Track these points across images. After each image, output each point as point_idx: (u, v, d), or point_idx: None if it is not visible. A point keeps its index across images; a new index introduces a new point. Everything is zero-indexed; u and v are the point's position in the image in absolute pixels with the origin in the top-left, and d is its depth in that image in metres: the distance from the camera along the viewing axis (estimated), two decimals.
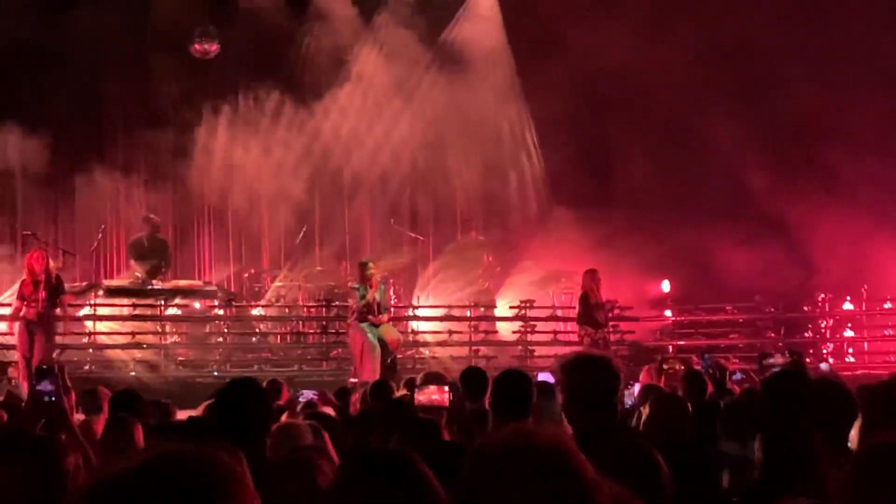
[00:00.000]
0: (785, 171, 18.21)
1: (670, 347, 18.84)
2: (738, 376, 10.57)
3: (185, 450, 1.80)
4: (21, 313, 13.75)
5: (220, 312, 18.23)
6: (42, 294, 13.68)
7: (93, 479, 1.80)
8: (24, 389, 10.97)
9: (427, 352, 18.09)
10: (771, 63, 19.03)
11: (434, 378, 7.70)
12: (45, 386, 4.30)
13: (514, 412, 5.47)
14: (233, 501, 1.75)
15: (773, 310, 19.04)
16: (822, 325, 19.21)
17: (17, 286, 14.52)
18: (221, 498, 1.74)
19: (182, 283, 18.55)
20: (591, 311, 15.98)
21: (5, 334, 16.45)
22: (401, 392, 7.94)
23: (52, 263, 14.15)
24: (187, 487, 1.72)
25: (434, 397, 5.99)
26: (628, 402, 8.79)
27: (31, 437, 4.05)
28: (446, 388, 6.05)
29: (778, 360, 13.31)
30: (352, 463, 3.17)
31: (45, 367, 4.62)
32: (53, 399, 4.42)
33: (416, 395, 6.06)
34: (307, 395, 8.03)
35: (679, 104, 19.02)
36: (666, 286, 19.70)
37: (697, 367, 10.09)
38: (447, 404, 5.99)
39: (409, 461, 3.09)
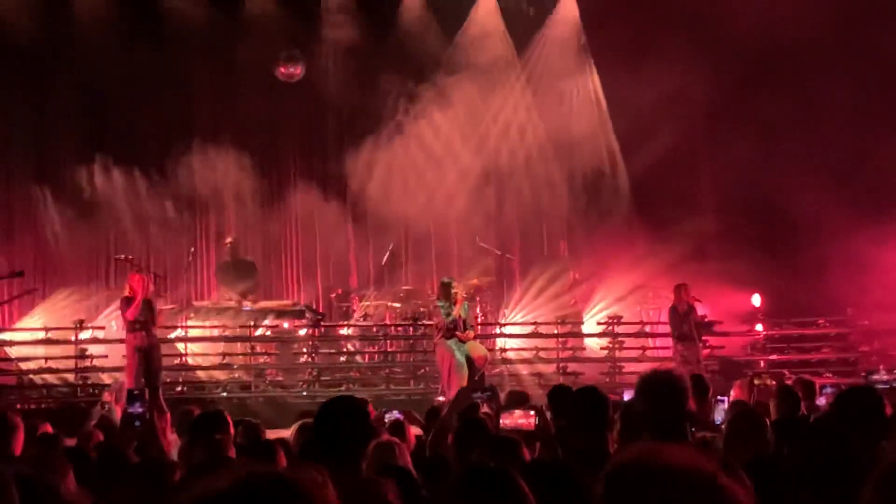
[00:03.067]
0: (874, 181, 17.85)
1: (762, 362, 18.58)
2: (829, 390, 10.42)
3: (269, 471, 1.82)
4: (136, 340, 13.88)
5: (309, 332, 18.38)
6: (144, 316, 13.89)
7: (179, 498, 1.82)
8: (117, 414, 11.12)
9: (511, 368, 18.02)
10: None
11: (517, 398, 7.69)
12: (136, 409, 4.38)
13: (591, 430, 5.42)
14: None
15: (866, 322, 18.69)
16: None
17: (114, 309, 14.78)
18: None
19: (271, 303, 18.76)
20: (679, 326, 15.82)
21: (101, 357, 16.80)
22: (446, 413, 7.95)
23: (151, 287, 14.37)
24: None
25: (520, 421, 5.97)
26: (718, 418, 8.69)
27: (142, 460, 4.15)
28: (532, 413, 6.03)
29: (884, 375, 13.08)
30: (461, 480, 3.23)
31: (135, 391, 4.71)
32: (142, 422, 4.50)
33: (501, 419, 6.04)
34: (393, 414, 8.05)
35: (767, 111, 18.83)
36: (756, 300, 19.41)
37: (789, 382, 9.97)
38: (533, 428, 5.96)
39: (512, 479, 3.17)
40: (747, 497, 1.92)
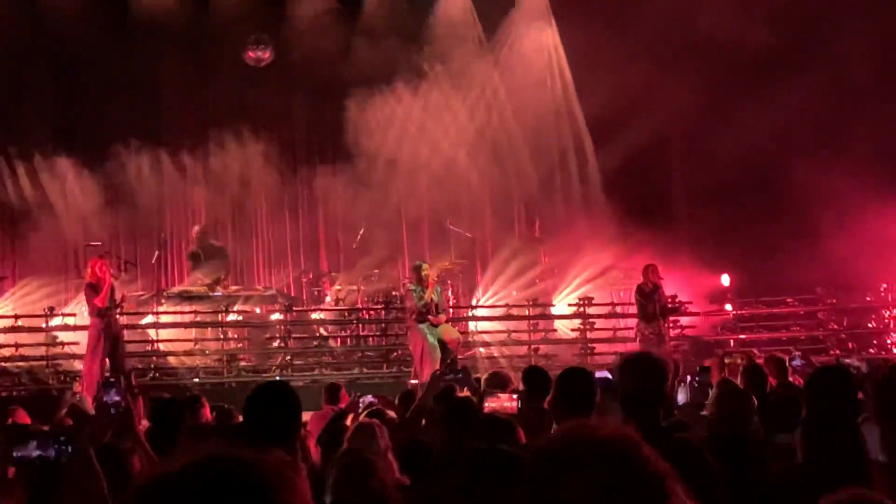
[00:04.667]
0: (844, 160, 17.96)
1: (731, 342, 18.72)
2: (797, 362, 10.52)
3: (230, 451, 1.79)
4: (100, 325, 13.84)
5: (280, 317, 18.37)
6: (115, 300, 13.84)
7: (143, 478, 1.81)
8: (88, 403, 11.07)
9: (483, 351, 18.09)
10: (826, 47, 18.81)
11: (499, 380, 7.71)
12: (112, 397, 4.38)
13: (577, 411, 5.45)
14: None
15: (834, 301, 18.85)
16: (886, 316, 18.96)
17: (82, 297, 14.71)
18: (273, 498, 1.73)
19: (242, 288, 18.73)
20: (642, 306, 15.94)
21: (71, 344, 16.73)
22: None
23: (114, 270, 14.30)
24: (239, 488, 1.72)
25: (506, 405, 5.99)
26: (680, 398, 8.77)
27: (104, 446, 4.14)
28: (515, 396, 6.05)
29: (855, 361, 13.18)
30: (475, 461, 3.24)
31: (111, 378, 4.70)
32: (120, 409, 4.50)
33: (485, 402, 6.05)
34: (367, 399, 8.08)
35: (739, 96, 18.94)
36: (726, 280, 19.55)
37: (759, 361, 10.05)
38: (516, 411, 5.98)
39: (522, 461, 3.19)
40: (671, 469, 1.97)
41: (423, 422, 7.24)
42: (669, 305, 16.09)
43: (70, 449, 3.95)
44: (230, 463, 1.75)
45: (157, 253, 19.40)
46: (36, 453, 3.90)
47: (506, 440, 4.71)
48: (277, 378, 15.79)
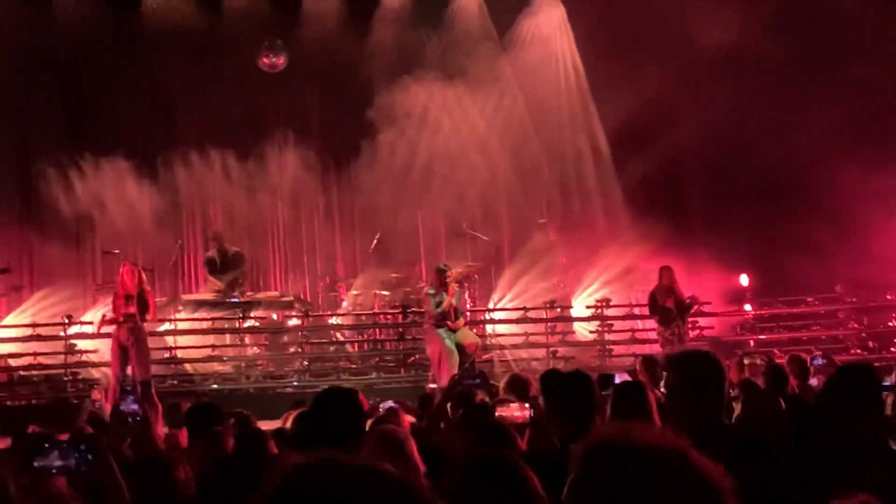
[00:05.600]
0: (862, 158, 17.84)
1: (751, 342, 18.62)
2: (819, 361, 10.43)
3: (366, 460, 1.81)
4: (113, 330, 13.80)
5: (298, 323, 18.35)
6: (133, 309, 13.77)
7: (279, 475, 1.77)
8: (107, 411, 11.04)
9: (501, 354, 18.02)
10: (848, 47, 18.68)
11: (518, 383, 7.64)
12: (129, 406, 4.35)
13: (577, 414, 5.39)
14: None
15: (854, 300, 18.73)
16: None
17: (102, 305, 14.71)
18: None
19: (259, 294, 18.72)
20: (657, 308, 15.85)
21: (90, 352, 16.74)
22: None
23: (144, 277, 14.23)
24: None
25: (515, 413, 5.94)
26: None
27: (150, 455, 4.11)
28: (527, 405, 5.99)
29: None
30: (470, 467, 3.25)
31: (128, 387, 4.67)
32: (138, 418, 4.47)
33: (497, 412, 6.00)
34: (387, 404, 8.03)
35: (757, 94, 18.86)
36: (745, 280, 19.45)
37: (780, 362, 9.98)
38: (526, 421, 5.92)
39: (518, 466, 3.18)
40: (720, 473, 1.91)
41: (442, 426, 7.19)
42: (686, 303, 15.99)
43: (91, 457, 3.93)
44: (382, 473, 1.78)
45: (176, 252, 19.34)
46: (58, 462, 3.89)
47: (505, 446, 4.66)
48: (343, 385, 15.80)
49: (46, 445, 3.86)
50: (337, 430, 4.71)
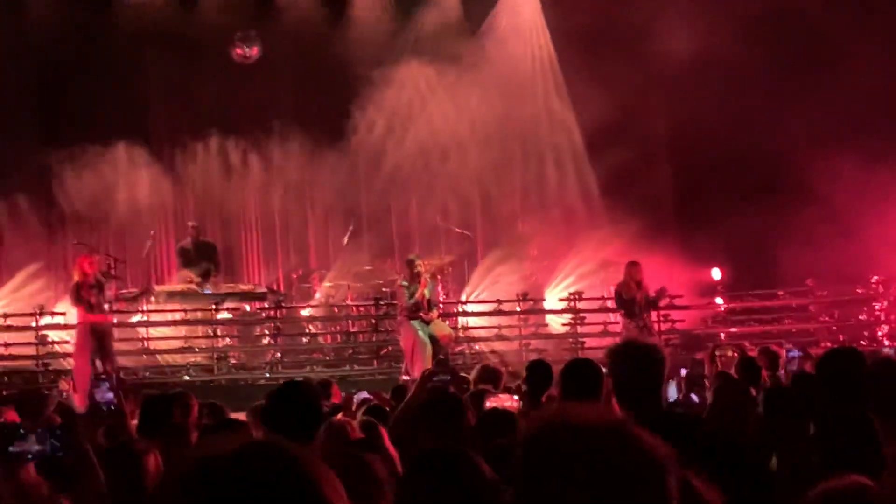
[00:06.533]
0: (833, 152, 17.94)
1: (722, 335, 18.71)
2: (793, 353, 10.49)
3: (275, 441, 1.79)
4: (87, 320, 13.78)
5: (271, 314, 18.32)
6: (103, 298, 13.75)
7: (190, 462, 1.76)
8: (75, 401, 11.00)
9: (478, 346, 18.07)
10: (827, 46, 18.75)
11: (489, 373, 7.65)
12: (104, 395, 4.35)
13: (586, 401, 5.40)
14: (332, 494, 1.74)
15: (825, 293, 18.86)
16: (877, 308, 18.97)
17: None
18: (320, 489, 1.73)
19: (232, 286, 18.67)
20: (623, 302, 15.99)
21: (60, 343, 16.67)
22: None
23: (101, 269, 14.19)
24: (290, 475, 1.72)
25: (506, 404, 5.96)
26: (672, 393, 8.73)
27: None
28: (516, 397, 6.01)
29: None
30: (417, 462, 3.23)
31: (103, 376, 4.67)
32: (113, 407, 4.47)
33: (487, 401, 6.01)
34: (362, 395, 8.05)
35: (728, 89, 18.93)
36: (716, 273, 19.55)
37: (752, 354, 10.04)
38: (517, 411, 5.94)
39: (469, 459, 3.15)
40: (659, 444, 1.92)
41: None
42: (652, 297, 16.11)
43: (64, 444, 3.96)
44: (281, 451, 1.75)
45: (148, 244, 19.25)
46: (35, 447, 3.92)
47: (507, 434, 4.67)
48: (299, 377, 15.84)
49: (22, 431, 3.88)
50: (292, 421, 4.74)
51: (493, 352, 17.38)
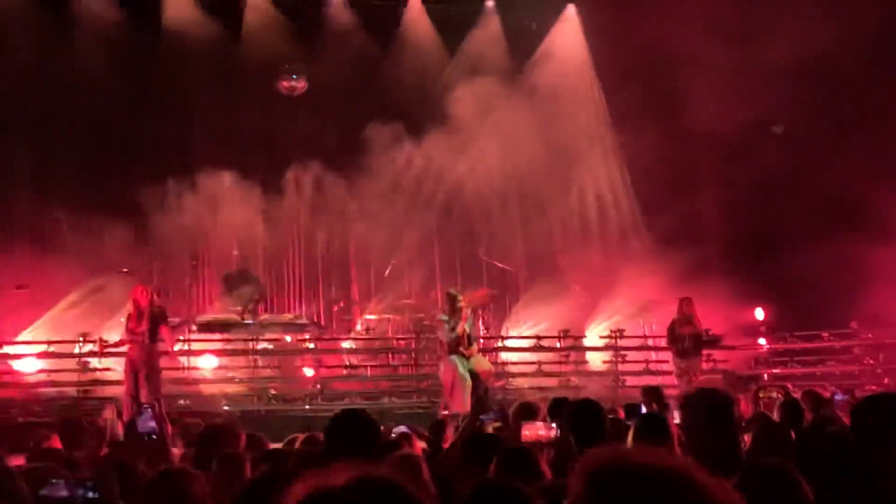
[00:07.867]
0: (879, 195, 17.79)
1: (765, 375, 18.53)
2: (839, 396, 10.39)
3: (381, 472, 1.86)
4: (125, 348, 13.88)
5: (311, 346, 18.34)
6: (144, 327, 13.81)
7: (306, 490, 1.81)
8: (119, 430, 11.05)
9: (517, 382, 17.97)
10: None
11: (528, 410, 7.61)
12: (147, 424, 4.36)
13: (588, 439, 5.39)
14: None
15: (870, 336, 18.65)
16: None
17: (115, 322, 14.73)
18: None
19: (273, 316, 18.71)
20: (675, 338, 15.88)
21: (104, 370, 16.76)
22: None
23: (155, 298, 14.26)
24: None
25: (541, 433, 5.92)
26: None
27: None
28: (554, 425, 5.97)
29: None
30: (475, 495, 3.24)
31: (146, 406, 4.68)
32: (155, 436, 4.48)
33: (522, 430, 5.98)
34: (400, 429, 8.02)
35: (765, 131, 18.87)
36: (760, 314, 19.39)
37: (795, 396, 9.94)
38: (552, 439, 5.90)
39: (526, 497, 3.16)
40: (728, 490, 1.90)
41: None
42: (704, 338, 15.99)
43: (94, 494, 3.94)
44: (395, 486, 1.84)
45: (190, 273, 19.31)
46: (63, 493, 3.91)
47: (525, 472, 4.62)
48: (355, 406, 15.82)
49: (53, 481, 3.86)
50: (352, 450, 4.72)
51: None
